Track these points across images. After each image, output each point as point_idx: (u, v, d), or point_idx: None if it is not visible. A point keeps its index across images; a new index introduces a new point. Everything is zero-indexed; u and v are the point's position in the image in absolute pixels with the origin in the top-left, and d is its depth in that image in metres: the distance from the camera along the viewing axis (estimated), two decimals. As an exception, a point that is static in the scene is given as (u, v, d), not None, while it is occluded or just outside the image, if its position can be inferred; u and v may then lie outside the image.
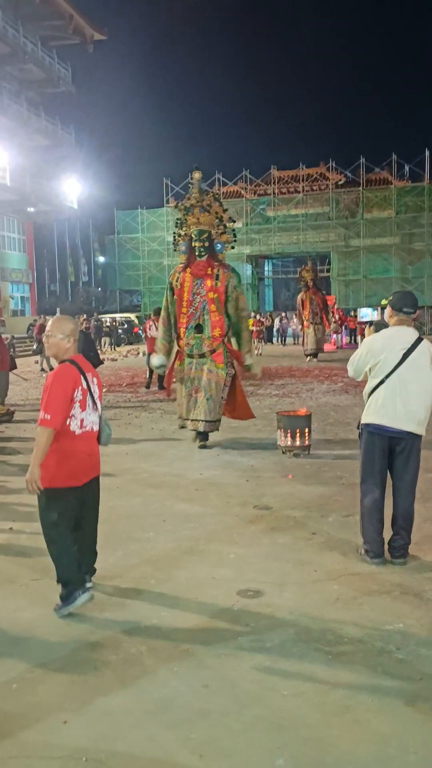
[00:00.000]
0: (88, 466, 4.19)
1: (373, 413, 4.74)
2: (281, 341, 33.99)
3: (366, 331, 5.34)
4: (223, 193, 41.42)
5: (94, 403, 4.15)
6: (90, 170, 42.97)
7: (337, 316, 31.99)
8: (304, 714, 3.08)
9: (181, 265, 9.34)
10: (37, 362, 22.04)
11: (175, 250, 9.73)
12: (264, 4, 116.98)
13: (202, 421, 8.87)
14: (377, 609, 4.14)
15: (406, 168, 39.16)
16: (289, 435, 8.35)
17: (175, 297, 9.18)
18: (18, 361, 16.35)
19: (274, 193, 41.64)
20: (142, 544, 5.30)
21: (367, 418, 4.80)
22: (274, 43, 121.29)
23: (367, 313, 36.49)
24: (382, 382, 4.69)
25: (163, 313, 9.50)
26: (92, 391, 4.14)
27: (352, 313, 35.31)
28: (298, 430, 8.33)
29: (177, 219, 9.61)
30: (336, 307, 34.61)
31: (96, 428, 4.21)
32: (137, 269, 43.18)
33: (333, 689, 3.27)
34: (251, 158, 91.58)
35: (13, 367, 13.42)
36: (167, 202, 42.60)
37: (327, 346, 27.64)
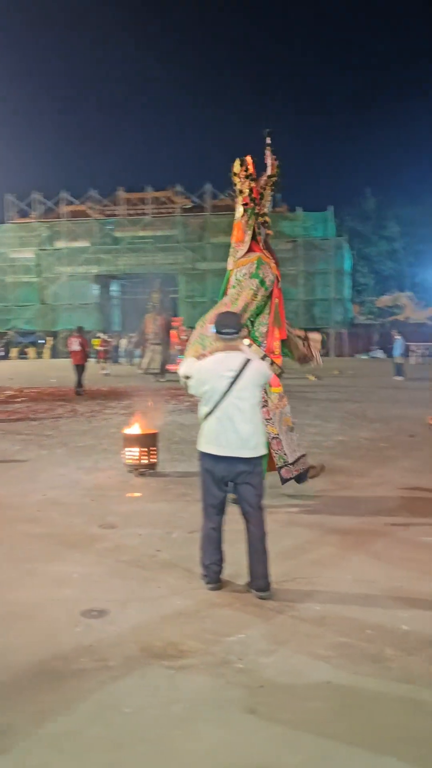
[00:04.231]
0: None
1: (206, 442, 4.67)
2: (129, 361, 33.97)
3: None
4: (69, 212, 41.05)
5: None
6: None
7: (185, 337, 32.39)
8: (144, 730, 3.04)
9: (271, 258, 7.04)
10: None
11: (259, 232, 7.09)
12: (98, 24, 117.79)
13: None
14: (219, 621, 4.18)
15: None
16: (134, 453, 8.30)
17: (266, 298, 6.84)
18: None
19: (121, 214, 41.76)
20: (-21, 568, 5.04)
21: (201, 446, 4.72)
22: (121, 66, 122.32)
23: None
24: (211, 412, 4.62)
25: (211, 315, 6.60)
26: None
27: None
28: (144, 449, 8.31)
29: (249, 194, 6.95)
30: (183, 328, 35.12)
31: None
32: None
33: (174, 703, 3.25)
34: (98, 178, 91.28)
35: None
36: (9, 218, 41.54)
37: (172, 367, 27.87)
